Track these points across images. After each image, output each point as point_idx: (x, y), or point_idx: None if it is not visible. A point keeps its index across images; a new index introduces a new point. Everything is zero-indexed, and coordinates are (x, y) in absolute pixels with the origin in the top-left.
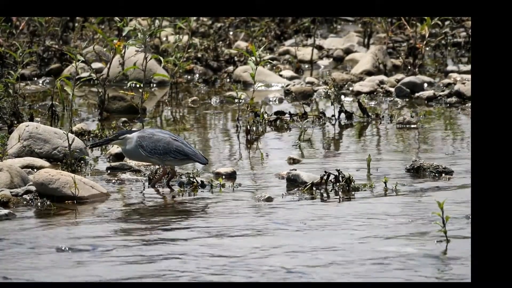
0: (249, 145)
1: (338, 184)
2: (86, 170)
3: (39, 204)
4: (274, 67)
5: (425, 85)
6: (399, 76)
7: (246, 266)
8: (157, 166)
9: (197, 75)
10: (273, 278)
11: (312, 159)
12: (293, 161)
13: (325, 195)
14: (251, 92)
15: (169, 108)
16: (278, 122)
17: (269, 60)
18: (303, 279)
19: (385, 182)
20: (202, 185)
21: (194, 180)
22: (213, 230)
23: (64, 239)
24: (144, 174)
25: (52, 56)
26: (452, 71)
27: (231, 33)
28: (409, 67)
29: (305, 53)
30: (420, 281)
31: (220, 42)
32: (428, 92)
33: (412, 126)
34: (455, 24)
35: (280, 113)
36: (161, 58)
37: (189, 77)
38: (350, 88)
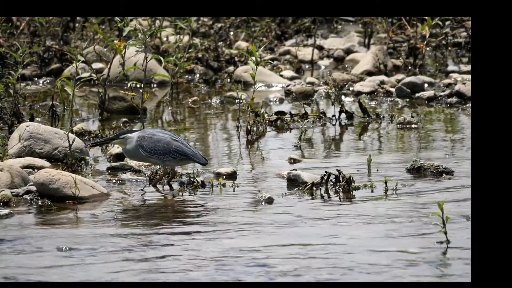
0: (249, 145)
1: (338, 184)
2: (86, 170)
3: (39, 204)
4: (275, 67)
5: (426, 85)
6: (399, 76)
7: (246, 266)
8: (157, 166)
9: (198, 75)
10: (272, 277)
11: (313, 159)
12: (293, 161)
13: (325, 195)
14: (251, 92)
15: (169, 108)
16: (278, 122)
17: (270, 60)
18: (303, 278)
19: (385, 182)
20: (203, 185)
21: (195, 180)
22: (213, 230)
23: (65, 239)
24: (145, 174)
25: (53, 56)
26: (453, 71)
27: (231, 33)
28: (410, 67)
29: (305, 53)
30: (420, 281)
31: (221, 42)
32: (429, 92)
33: (413, 126)
34: (456, 24)
35: (280, 113)
36: (162, 58)
37: (189, 77)
38: (351, 88)
